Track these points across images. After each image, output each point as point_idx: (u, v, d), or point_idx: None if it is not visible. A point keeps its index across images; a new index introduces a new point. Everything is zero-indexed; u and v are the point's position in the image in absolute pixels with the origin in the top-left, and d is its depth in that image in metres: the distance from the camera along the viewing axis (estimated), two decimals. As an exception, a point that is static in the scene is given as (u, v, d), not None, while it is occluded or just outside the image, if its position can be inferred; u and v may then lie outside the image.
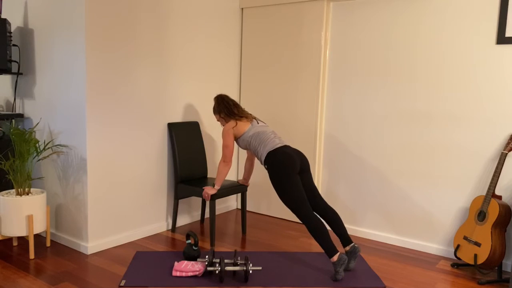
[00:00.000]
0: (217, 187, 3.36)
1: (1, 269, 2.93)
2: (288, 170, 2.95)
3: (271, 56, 4.26)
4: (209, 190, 3.36)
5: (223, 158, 3.27)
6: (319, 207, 3.10)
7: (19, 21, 3.58)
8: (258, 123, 3.26)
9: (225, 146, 3.25)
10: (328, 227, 3.92)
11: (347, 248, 3.04)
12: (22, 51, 3.61)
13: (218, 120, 3.41)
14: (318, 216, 3.11)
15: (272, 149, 3.05)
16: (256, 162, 4.38)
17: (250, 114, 3.33)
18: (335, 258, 2.84)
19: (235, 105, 3.33)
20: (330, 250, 2.85)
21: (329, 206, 3.12)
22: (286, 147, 3.08)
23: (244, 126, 3.22)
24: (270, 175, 3.02)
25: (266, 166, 3.06)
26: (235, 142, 3.31)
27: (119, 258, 3.19)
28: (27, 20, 3.52)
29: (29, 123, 3.61)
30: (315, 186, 3.14)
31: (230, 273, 2.96)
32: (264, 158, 3.07)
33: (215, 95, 3.60)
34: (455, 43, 3.32)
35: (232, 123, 3.24)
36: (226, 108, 3.30)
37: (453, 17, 3.32)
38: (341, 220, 3.08)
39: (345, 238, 3.05)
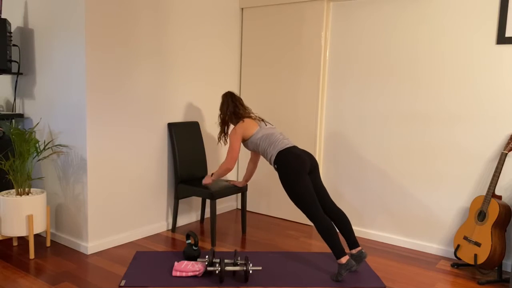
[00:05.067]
0: (214, 178, 3.47)
1: (1, 269, 2.93)
2: (298, 170, 2.94)
3: (271, 56, 4.26)
4: (206, 181, 3.54)
5: (228, 161, 3.27)
6: (328, 208, 3.09)
7: (19, 21, 3.58)
8: (266, 125, 3.25)
9: (231, 149, 3.24)
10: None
11: (354, 251, 3.03)
12: (22, 51, 3.61)
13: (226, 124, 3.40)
14: (328, 218, 3.10)
15: (282, 149, 3.04)
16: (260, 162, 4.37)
17: (257, 116, 3.33)
18: (343, 260, 2.83)
19: (241, 104, 3.34)
20: (338, 252, 2.83)
21: (338, 208, 3.10)
22: (295, 148, 3.08)
23: (252, 129, 3.21)
24: (280, 176, 3.01)
25: (275, 166, 3.05)
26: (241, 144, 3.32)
27: (119, 258, 3.19)
28: (27, 20, 3.52)
29: (29, 123, 3.61)
30: (324, 187, 3.13)
31: (230, 273, 2.96)
32: (274, 158, 3.06)
33: (223, 93, 3.56)
34: (455, 43, 3.32)
35: (240, 125, 3.24)
36: (233, 108, 3.31)
37: (453, 17, 3.32)
38: (349, 222, 3.07)
39: (352, 241, 3.03)
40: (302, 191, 2.91)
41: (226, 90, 4.35)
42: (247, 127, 3.22)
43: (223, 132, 3.40)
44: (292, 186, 2.94)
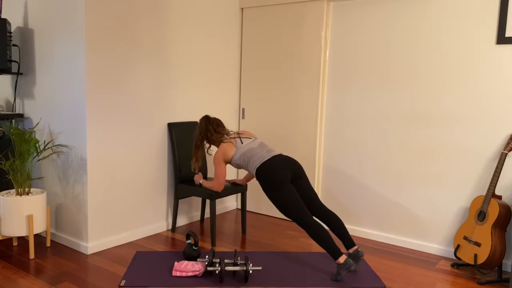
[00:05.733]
0: (203, 183, 3.48)
1: (1, 269, 2.93)
2: (277, 180, 2.97)
3: (271, 56, 4.26)
4: (197, 179, 3.56)
5: (216, 186, 3.34)
6: (318, 211, 3.10)
7: (19, 21, 3.58)
8: (242, 143, 3.24)
9: (217, 176, 3.29)
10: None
11: (350, 251, 3.04)
12: (22, 51, 3.61)
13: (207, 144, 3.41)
14: (318, 221, 3.10)
15: (259, 164, 3.07)
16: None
17: (234, 133, 3.34)
18: (340, 260, 2.83)
19: (214, 129, 3.32)
20: (334, 253, 2.84)
21: (329, 210, 3.11)
22: (273, 158, 3.08)
23: (229, 152, 3.22)
24: (262, 189, 3.06)
25: (258, 181, 3.10)
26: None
27: (119, 258, 3.19)
28: (27, 20, 3.52)
29: (29, 123, 3.61)
30: (313, 191, 3.14)
31: (230, 273, 2.96)
32: (254, 174, 3.11)
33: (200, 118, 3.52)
34: (455, 43, 3.32)
35: (219, 152, 3.24)
36: (205, 132, 3.31)
37: (453, 17, 3.32)
38: (342, 223, 3.07)
39: (348, 241, 3.04)
40: (287, 200, 2.93)
41: (226, 90, 4.36)
42: (225, 151, 3.23)
43: (195, 157, 3.35)
44: (275, 197, 2.97)
